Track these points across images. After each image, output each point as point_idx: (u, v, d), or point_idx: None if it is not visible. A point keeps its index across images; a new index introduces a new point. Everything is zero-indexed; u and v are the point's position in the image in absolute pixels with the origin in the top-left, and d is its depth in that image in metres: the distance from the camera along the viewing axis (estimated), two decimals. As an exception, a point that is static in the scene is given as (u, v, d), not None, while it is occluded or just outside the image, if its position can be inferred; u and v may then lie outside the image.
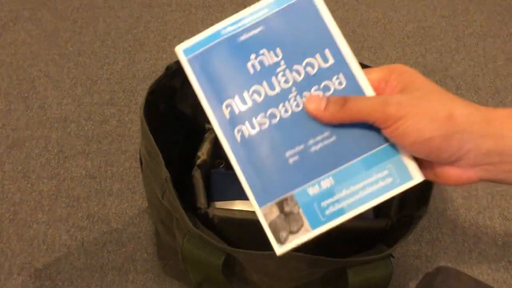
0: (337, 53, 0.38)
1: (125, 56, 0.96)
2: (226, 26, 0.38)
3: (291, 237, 0.37)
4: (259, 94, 0.38)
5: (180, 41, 0.99)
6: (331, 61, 0.38)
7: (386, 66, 0.37)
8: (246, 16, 0.38)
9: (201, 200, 0.54)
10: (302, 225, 0.36)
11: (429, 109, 0.33)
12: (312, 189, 0.37)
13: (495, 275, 0.73)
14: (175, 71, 0.56)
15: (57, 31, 0.99)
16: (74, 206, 0.76)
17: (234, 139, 0.37)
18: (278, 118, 0.37)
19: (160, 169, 0.48)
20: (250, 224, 0.52)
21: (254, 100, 0.38)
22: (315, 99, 0.36)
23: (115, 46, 0.97)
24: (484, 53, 1.02)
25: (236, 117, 0.37)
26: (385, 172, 0.36)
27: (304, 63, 0.38)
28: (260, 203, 0.37)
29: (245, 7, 1.05)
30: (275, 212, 0.37)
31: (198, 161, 0.59)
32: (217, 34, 0.38)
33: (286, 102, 0.37)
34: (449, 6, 1.11)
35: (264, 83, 0.38)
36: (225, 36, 0.38)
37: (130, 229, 0.74)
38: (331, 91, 0.37)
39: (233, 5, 1.06)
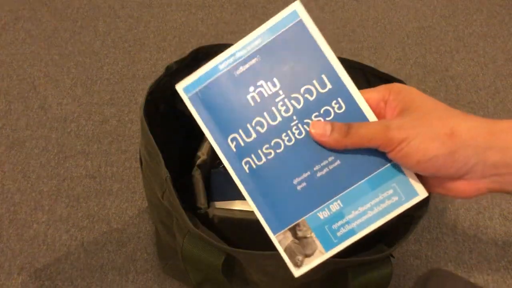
0: (334, 77, 0.38)
1: (125, 56, 0.96)
2: (222, 60, 0.39)
3: (306, 260, 0.38)
4: (261, 125, 0.38)
5: (181, 41, 0.99)
6: (329, 86, 0.38)
7: (383, 86, 0.38)
8: (240, 48, 0.39)
9: (201, 200, 0.54)
10: (316, 248, 0.38)
11: (430, 128, 0.33)
12: (322, 213, 0.38)
13: (495, 275, 0.73)
14: (175, 71, 0.56)
15: (57, 31, 0.99)
16: (74, 206, 0.76)
17: (242, 171, 0.39)
18: (282, 147, 0.38)
19: (160, 169, 0.48)
20: (250, 224, 0.52)
21: (257, 132, 0.38)
22: (319, 124, 0.37)
23: (115, 46, 0.97)
24: (484, 53, 1.02)
25: (242, 149, 0.39)
26: (390, 191, 0.37)
27: (302, 90, 0.38)
28: (274, 231, 0.39)
29: (245, 8, 1.05)
30: (289, 238, 0.38)
31: (198, 161, 0.59)
32: (215, 69, 0.39)
33: (289, 131, 0.38)
34: (449, 6, 1.11)
35: (265, 114, 0.38)
36: (222, 71, 0.39)
37: (130, 229, 0.74)
38: (332, 116, 0.38)
39: (233, 5, 1.06)
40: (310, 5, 1.08)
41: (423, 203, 0.50)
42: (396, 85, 0.38)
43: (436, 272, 0.45)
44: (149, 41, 0.99)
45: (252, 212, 0.52)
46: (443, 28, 1.07)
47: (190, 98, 0.39)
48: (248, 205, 0.61)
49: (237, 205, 0.61)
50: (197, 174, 0.57)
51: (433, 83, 0.97)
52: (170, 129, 0.60)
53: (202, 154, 0.60)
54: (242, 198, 0.62)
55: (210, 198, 0.60)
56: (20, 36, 0.98)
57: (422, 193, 0.37)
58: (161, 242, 0.64)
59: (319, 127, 0.37)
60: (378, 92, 0.38)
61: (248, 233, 0.52)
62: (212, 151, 0.62)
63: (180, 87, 0.39)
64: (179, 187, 0.49)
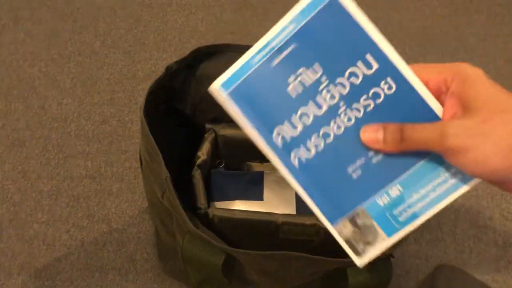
0: (380, 56, 0.35)
1: (125, 56, 0.96)
2: (255, 53, 0.36)
3: (368, 247, 0.37)
4: (307, 116, 0.36)
5: (181, 41, 0.99)
6: (375, 66, 0.35)
7: (446, 66, 0.34)
8: (273, 38, 0.36)
9: (201, 200, 0.54)
10: (377, 235, 0.36)
11: (493, 138, 0.30)
12: (382, 199, 0.36)
13: (495, 275, 0.73)
14: (175, 71, 0.56)
15: (57, 31, 0.99)
16: (74, 206, 0.76)
17: (292, 166, 0.37)
18: (332, 137, 0.36)
19: (160, 169, 0.48)
20: (250, 224, 0.52)
21: (303, 123, 0.36)
22: (370, 129, 0.35)
23: (115, 46, 0.97)
24: (484, 53, 1.02)
25: (289, 143, 0.36)
26: (453, 169, 0.35)
27: (346, 74, 0.36)
28: (332, 222, 0.37)
29: (245, 8, 1.05)
30: (348, 228, 0.37)
31: (198, 161, 0.59)
32: (249, 63, 0.36)
33: (337, 118, 0.36)
34: (449, 6, 1.11)
35: (310, 103, 0.36)
36: (258, 64, 0.36)
37: (130, 229, 0.74)
38: (382, 98, 0.35)
39: (233, 5, 1.06)
40: (310, 5, 1.08)
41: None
42: (461, 67, 0.34)
43: (444, 269, 0.44)
44: (149, 41, 0.99)
45: (252, 212, 0.52)
46: (443, 28, 1.07)
47: (226, 97, 0.36)
48: (248, 205, 0.61)
49: (237, 205, 0.61)
50: (197, 174, 0.57)
51: (433, 83, 0.97)
52: (170, 129, 0.60)
53: (202, 154, 0.60)
54: (242, 198, 0.62)
55: (210, 198, 0.60)
56: (20, 36, 0.98)
57: None
58: (161, 242, 0.64)
59: (370, 133, 0.35)
60: (439, 72, 0.34)
61: (248, 233, 0.52)
62: (212, 151, 0.62)
63: (215, 86, 0.36)
64: (179, 187, 0.49)
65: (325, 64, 0.36)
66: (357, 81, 0.35)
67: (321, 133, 0.36)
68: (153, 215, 0.63)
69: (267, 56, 0.36)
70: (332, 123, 0.36)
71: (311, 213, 0.52)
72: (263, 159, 0.67)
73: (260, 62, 0.36)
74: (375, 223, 0.36)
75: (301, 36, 0.35)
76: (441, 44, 1.03)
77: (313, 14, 0.35)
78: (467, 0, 1.12)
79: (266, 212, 0.52)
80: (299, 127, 0.36)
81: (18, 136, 0.83)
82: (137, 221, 0.75)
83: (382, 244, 0.36)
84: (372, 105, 0.36)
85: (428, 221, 0.83)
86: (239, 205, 0.61)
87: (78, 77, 0.92)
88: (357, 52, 0.35)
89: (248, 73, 0.36)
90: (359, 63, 0.35)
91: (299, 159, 0.36)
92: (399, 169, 0.36)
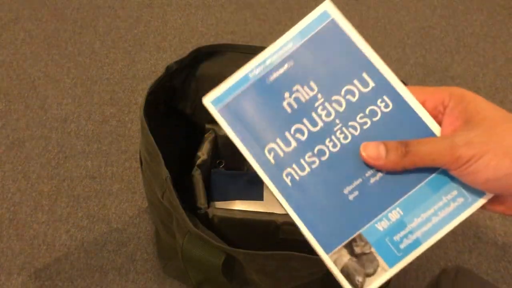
0: (376, 74, 0.35)
1: (125, 56, 0.96)
2: (252, 68, 0.36)
3: (368, 280, 0.34)
4: (302, 132, 0.35)
5: (181, 41, 0.99)
6: (372, 84, 0.35)
7: (442, 88, 0.35)
8: (271, 55, 0.36)
9: (201, 200, 0.54)
10: (378, 265, 0.34)
11: (502, 143, 0.30)
12: (381, 224, 0.34)
13: (495, 275, 0.73)
14: (175, 71, 0.56)
15: (57, 31, 0.99)
16: (74, 206, 0.76)
17: (284, 184, 0.35)
18: (327, 155, 0.35)
19: (160, 169, 0.48)
20: (250, 224, 0.52)
21: (298, 140, 0.35)
22: (371, 146, 0.34)
23: (115, 46, 0.97)
24: (484, 53, 1.02)
25: (282, 160, 0.35)
26: (455, 192, 0.34)
27: (342, 92, 0.35)
28: (327, 249, 0.34)
29: (245, 8, 1.05)
30: (345, 256, 0.34)
31: (198, 161, 0.59)
32: (244, 78, 0.36)
33: (333, 136, 0.35)
34: (449, 6, 1.11)
35: (305, 120, 0.35)
36: (253, 80, 0.36)
37: (130, 229, 0.74)
38: (379, 116, 0.35)
39: (233, 5, 1.06)
40: (310, 5, 1.08)
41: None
42: (457, 89, 0.34)
43: (447, 270, 0.43)
44: (149, 41, 0.99)
45: (252, 212, 0.52)
46: (443, 28, 1.07)
47: (220, 111, 0.36)
48: (248, 205, 0.61)
49: (237, 205, 0.61)
50: (197, 174, 0.57)
51: (433, 83, 0.97)
52: (170, 129, 0.60)
53: (202, 154, 0.60)
54: (242, 198, 0.62)
55: (210, 198, 0.60)
56: (20, 36, 0.98)
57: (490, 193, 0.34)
58: (161, 242, 0.64)
59: (371, 149, 0.34)
60: (437, 93, 0.34)
61: (248, 233, 0.52)
62: (212, 151, 0.62)
63: (207, 100, 0.36)
64: (179, 187, 0.49)
65: (321, 82, 0.36)
66: (354, 99, 0.35)
67: (316, 150, 0.35)
68: (153, 215, 0.63)
69: (264, 73, 0.36)
70: (327, 141, 0.35)
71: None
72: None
73: (256, 78, 0.36)
74: (374, 251, 0.34)
75: (298, 54, 0.36)
76: (441, 44, 1.03)
77: (311, 34, 0.36)
78: (467, 0, 1.12)
79: (266, 212, 0.52)
80: (293, 144, 0.35)
81: (18, 136, 0.83)
82: (137, 221, 0.75)
83: (382, 276, 0.34)
84: (369, 123, 0.35)
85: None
86: (239, 205, 0.61)
87: (78, 77, 0.92)
88: (354, 71, 0.36)
89: (242, 89, 0.36)
90: (356, 81, 0.36)
91: (292, 177, 0.35)
92: (398, 192, 0.34)
